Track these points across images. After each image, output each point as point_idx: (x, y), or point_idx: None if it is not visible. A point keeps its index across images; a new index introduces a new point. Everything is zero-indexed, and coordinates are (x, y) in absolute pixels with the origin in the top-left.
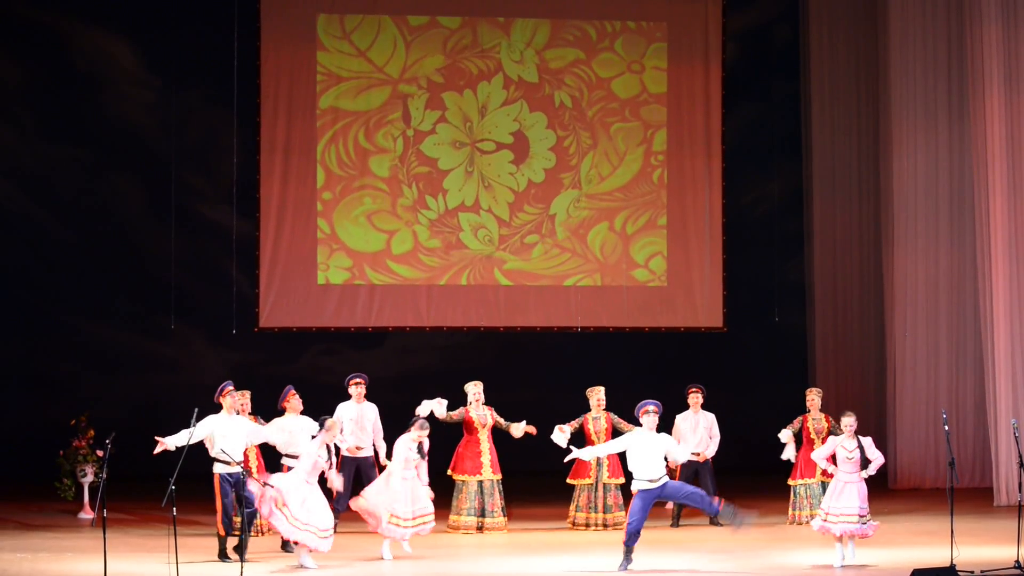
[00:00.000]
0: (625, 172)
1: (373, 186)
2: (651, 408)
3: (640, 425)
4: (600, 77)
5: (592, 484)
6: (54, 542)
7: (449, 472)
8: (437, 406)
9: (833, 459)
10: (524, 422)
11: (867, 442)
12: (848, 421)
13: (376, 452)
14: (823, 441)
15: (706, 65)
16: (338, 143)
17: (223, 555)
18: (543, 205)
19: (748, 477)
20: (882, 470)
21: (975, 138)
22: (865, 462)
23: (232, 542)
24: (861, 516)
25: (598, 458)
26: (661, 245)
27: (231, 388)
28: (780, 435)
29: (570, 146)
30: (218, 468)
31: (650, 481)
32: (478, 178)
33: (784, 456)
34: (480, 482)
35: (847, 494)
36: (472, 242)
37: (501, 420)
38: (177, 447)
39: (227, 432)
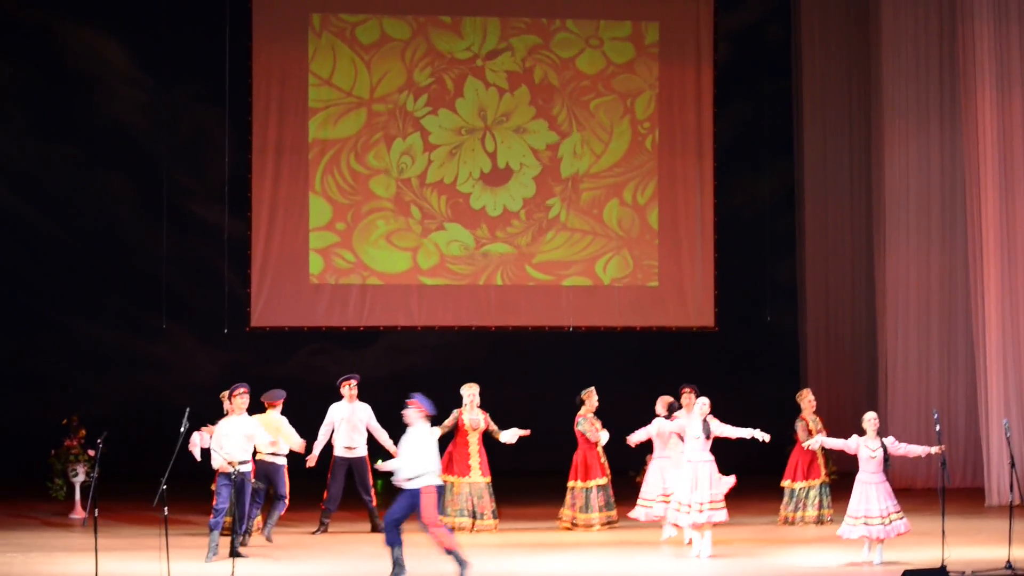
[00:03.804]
0: (618, 145)
1: (381, 207)
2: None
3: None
4: (562, 58)
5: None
6: (45, 541)
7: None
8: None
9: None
10: (514, 429)
11: (889, 441)
12: (870, 417)
13: (371, 450)
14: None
15: (697, 64)
16: (333, 173)
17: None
18: (552, 196)
19: (739, 477)
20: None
21: (967, 137)
22: (887, 462)
23: (224, 541)
24: (883, 518)
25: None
26: None
27: (242, 390)
28: (809, 445)
29: (561, 129)
30: (219, 464)
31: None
32: (485, 181)
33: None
34: (469, 484)
35: (871, 496)
36: (495, 243)
37: (493, 426)
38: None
39: (229, 432)
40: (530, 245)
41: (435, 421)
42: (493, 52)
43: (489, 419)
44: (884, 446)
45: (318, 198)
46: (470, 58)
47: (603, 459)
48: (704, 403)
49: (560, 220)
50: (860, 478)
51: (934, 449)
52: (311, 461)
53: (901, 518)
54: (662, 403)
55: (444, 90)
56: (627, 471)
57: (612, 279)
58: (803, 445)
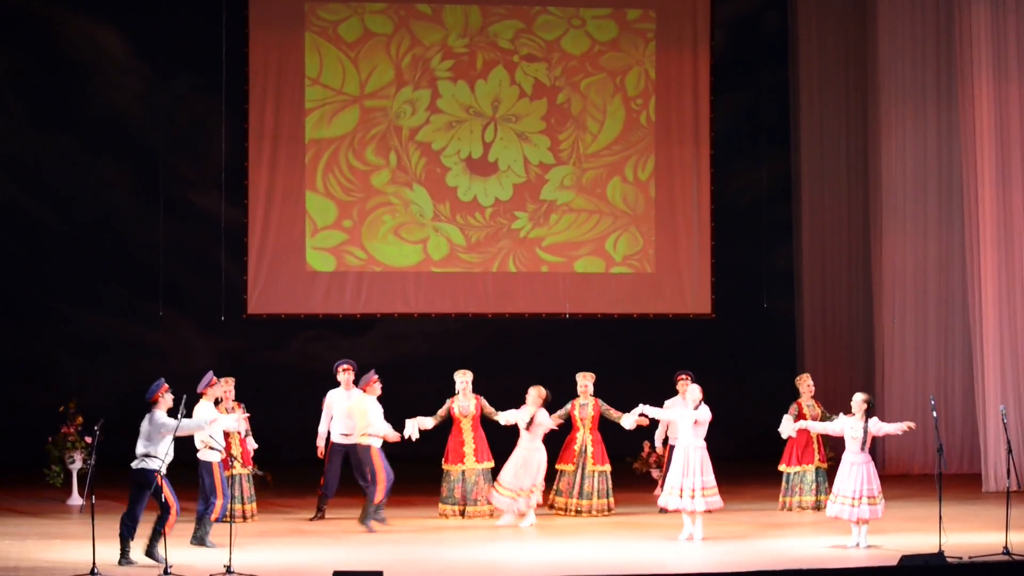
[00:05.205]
0: (613, 124)
1: (386, 202)
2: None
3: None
4: (546, 40)
5: (575, 470)
6: (43, 529)
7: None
8: (421, 424)
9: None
10: (512, 410)
11: (873, 422)
12: (858, 399)
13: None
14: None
15: (694, 53)
16: (333, 171)
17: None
18: (523, 211)
19: (738, 464)
20: (872, 453)
21: (963, 125)
22: (865, 443)
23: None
24: (871, 498)
25: (583, 444)
26: None
27: (216, 380)
28: (783, 425)
29: (560, 156)
30: (211, 456)
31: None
32: (469, 165)
33: (783, 430)
34: (463, 471)
35: (855, 476)
36: (451, 224)
37: (489, 409)
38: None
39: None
40: (537, 230)
41: (428, 411)
42: (532, 56)
43: (485, 403)
44: (866, 428)
45: (322, 198)
46: (510, 50)
47: (577, 445)
48: (695, 389)
49: (520, 236)
50: (846, 458)
51: (904, 425)
52: (319, 452)
53: (877, 504)
54: (537, 395)
55: (472, 66)
56: (624, 458)
57: (624, 256)
58: (783, 434)
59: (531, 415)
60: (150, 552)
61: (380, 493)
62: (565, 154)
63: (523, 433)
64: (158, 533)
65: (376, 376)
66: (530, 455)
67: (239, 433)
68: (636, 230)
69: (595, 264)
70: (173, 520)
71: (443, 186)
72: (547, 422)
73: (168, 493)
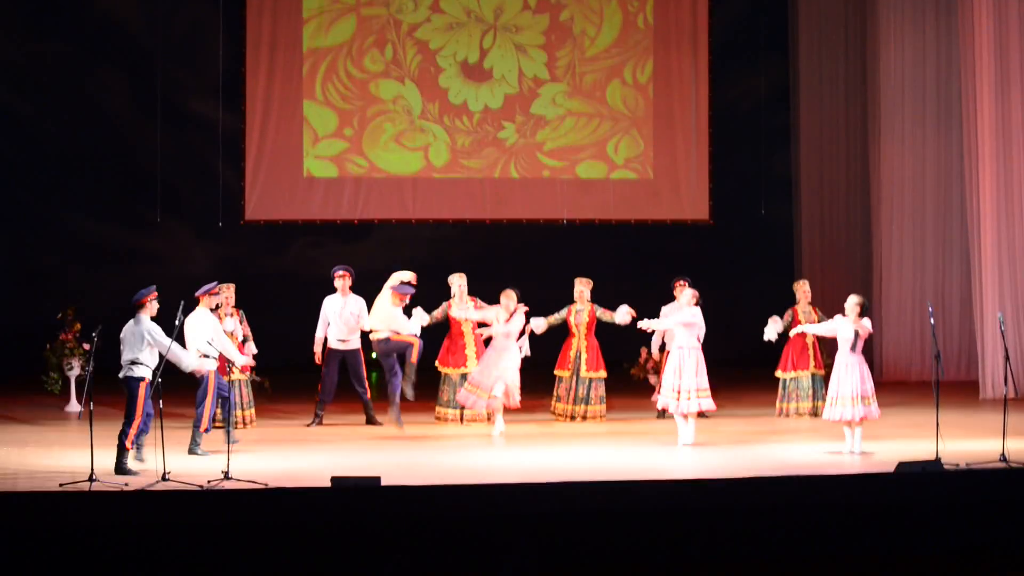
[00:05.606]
0: (610, 28)
1: (386, 110)
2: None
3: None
4: None
5: (571, 376)
6: (41, 435)
7: (436, 364)
8: (420, 319)
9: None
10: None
11: (863, 323)
12: (852, 302)
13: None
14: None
15: None
16: (332, 80)
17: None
18: (511, 122)
19: (735, 369)
20: (868, 360)
21: (963, 33)
22: (856, 344)
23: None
24: (864, 398)
25: (578, 351)
26: None
27: (218, 289)
28: (768, 326)
29: (556, 73)
30: (206, 366)
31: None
32: (463, 69)
33: (766, 335)
34: (463, 375)
35: (849, 377)
36: (436, 124)
37: (483, 305)
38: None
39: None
40: (537, 133)
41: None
42: None
43: (480, 302)
44: (858, 329)
45: (321, 106)
46: None
47: (572, 351)
48: (688, 293)
49: (507, 145)
50: (839, 359)
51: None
52: (317, 358)
53: (870, 404)
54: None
55: None
56: (621, 363)
57: (625, 160)
58: (766, 337)
59: (507, 316)
60: (119, 469)
61: (416, 353)
62: (560, 72)
63: (498, 333)
64: (122, 447)
65: (411, 291)
66: (499, 355)
67: (237, 339)
68: (637, 132)
69: (597, 168)
70: (133, 434)
71: (435, 86)
72: (517, 328)
73: (142, 405)
